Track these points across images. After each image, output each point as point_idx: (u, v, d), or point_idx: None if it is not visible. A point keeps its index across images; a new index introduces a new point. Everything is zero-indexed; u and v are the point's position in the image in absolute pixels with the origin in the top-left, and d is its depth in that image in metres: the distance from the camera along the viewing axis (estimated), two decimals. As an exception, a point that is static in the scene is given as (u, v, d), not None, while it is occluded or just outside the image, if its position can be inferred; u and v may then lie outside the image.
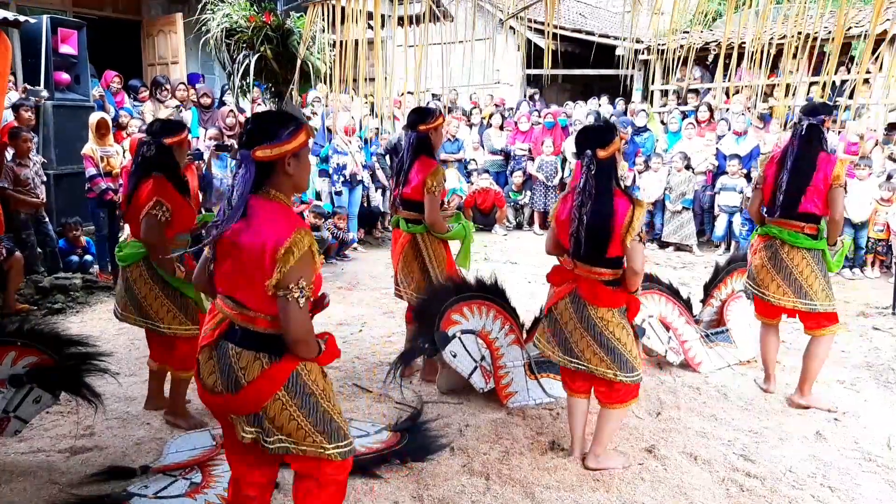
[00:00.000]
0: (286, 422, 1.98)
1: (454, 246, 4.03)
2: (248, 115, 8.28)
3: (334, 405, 2.09)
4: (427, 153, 3.79)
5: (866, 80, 9.03)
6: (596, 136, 2.85)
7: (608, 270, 2.86)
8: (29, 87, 6.72)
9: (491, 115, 10.26)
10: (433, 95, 10.43)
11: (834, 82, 5.39)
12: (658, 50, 9.60)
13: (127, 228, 3.50)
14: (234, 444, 2.14)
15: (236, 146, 7.38)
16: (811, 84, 8.62)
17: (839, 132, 7.84)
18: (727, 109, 9.19)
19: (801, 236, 3.51)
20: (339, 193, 7.93)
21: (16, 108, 6.06)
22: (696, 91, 10.43)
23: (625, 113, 10.21)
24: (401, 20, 4.36)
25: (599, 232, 2.78)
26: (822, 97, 4.43)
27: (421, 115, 3.82)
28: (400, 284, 3.98)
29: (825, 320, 3.59)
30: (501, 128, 10.06)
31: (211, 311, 2.10)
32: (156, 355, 3.51)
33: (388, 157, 8.89)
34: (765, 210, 3.71)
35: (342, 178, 7.91)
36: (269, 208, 1.96)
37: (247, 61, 6.02)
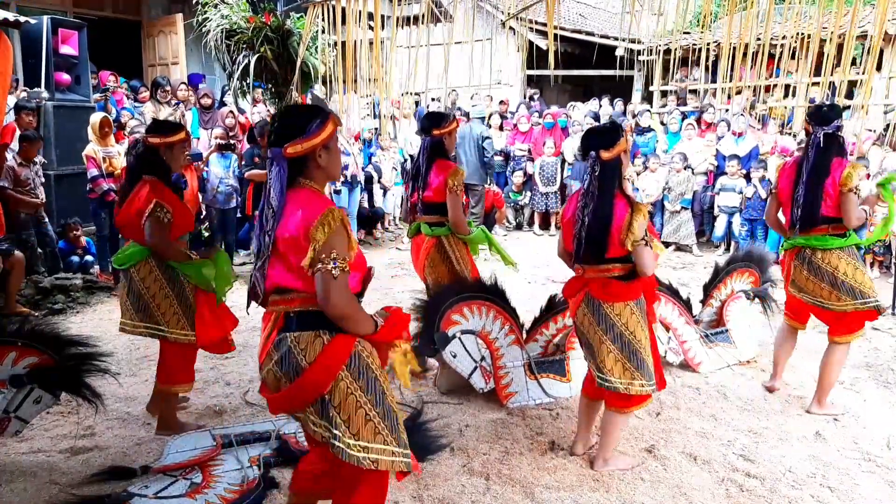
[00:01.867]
0: (353, 410, 1.95)
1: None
2: (249, 115, 8.30)
3: (396, 407, 2.07)
4: (442, 156, 3.81)
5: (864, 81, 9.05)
6: (600, 137, 2.85)
7: (616, 266, 2.84)
8: (28, 90, 6.73)
9: (490, 116, 10.27)
10: (432, 99, 10.44)
11: (832, 83, 5.38)
12: (658, 51, 9.61)
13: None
14: (310, 438, 2.18)
15: (238, 146, 7.44)
16: (810, 84, 8.63)
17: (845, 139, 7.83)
18: (727, 110, 9.20)
19: (828, 238, 3.44)
20: (337, 192, 7.96)
21: (17, 110, 6.06)
22: (695, 92, 10.44)
23: (623, 113, 10.22)
24: (399, 20, 4.36)
25: (597, 233, 2.78)
26: (823, 98, 4.43)
27: (435, 120, 3.83)
28: (431, 290, 3.94)
29: (862, 320, 3.51)
30: (501, 128, 10.06)
31: (264, 320, 2.10)
32: (159, 372, 3.42)
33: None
34: (785, 223, 3.66)
35: (342, 179, 7.95)
36: (299, 197, 2.00)
37: (246, 62, 6.02)
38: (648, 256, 2.75)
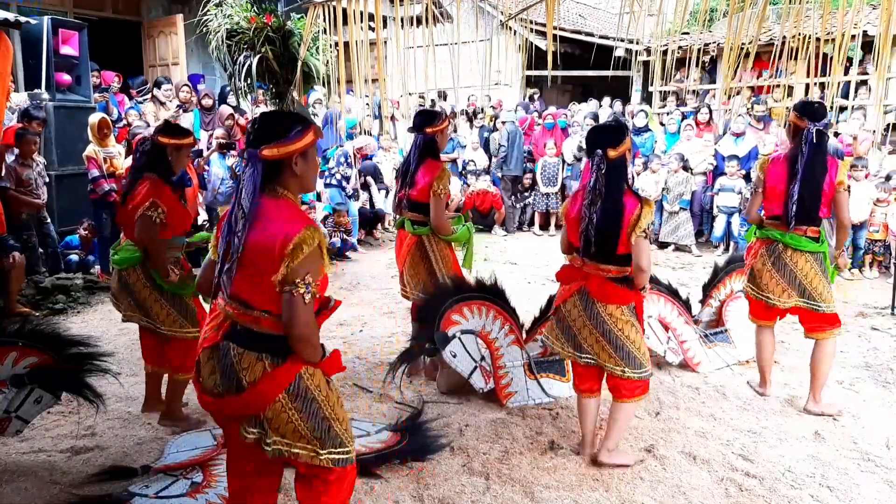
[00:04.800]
0: (283, 423, 1.96)
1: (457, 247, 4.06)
2: (250, 116, 8.31)
3: (337, 413, 2.06)
4: (432, 155, 3.84)
5: (864, 82, 9.07)
6: (606, 135, 2.88)
7: (617, 267, 2.88)
8: (30, 93, 6.72)
9: (495, 118, 10.32)
10: (432, 100, 10.47)
11: (829, 83, 5.39)
12: (657, 51, 9.62)
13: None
14: (235, 451, 2.16)
15: (237, 145, 7.45)
16: (808, 85, 8.63)
17: (837, 133, 7.84)
18: (727, 111, 9.20)
19: (803, 239, 3.48)
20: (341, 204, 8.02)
21: (28, 118, 6.03)
22: (695, 92, 10.44)
23: (623, 114, 10.23)
24: (401, 21, 4.37)
25: (608, 230, 2.82)
26: (826, 98, 4.42)
27: (427, 118, 3.85)
28: (406, 285, 4.01)
29: (827, 322, 3.57)
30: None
31: (211, 312, 2.08)
32: (149, 357, 3.49)
33: None
34: (766, 217, 3.65)
35: (348, 192, 8.03)
36: (276, 206, 1.96)
37: (248, 62, 6.03)
38: (646, 249, 2.80)
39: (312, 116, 8.85)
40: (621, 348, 2.90)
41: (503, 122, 9.76)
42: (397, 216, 4.09)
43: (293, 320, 1.88)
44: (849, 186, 3.44)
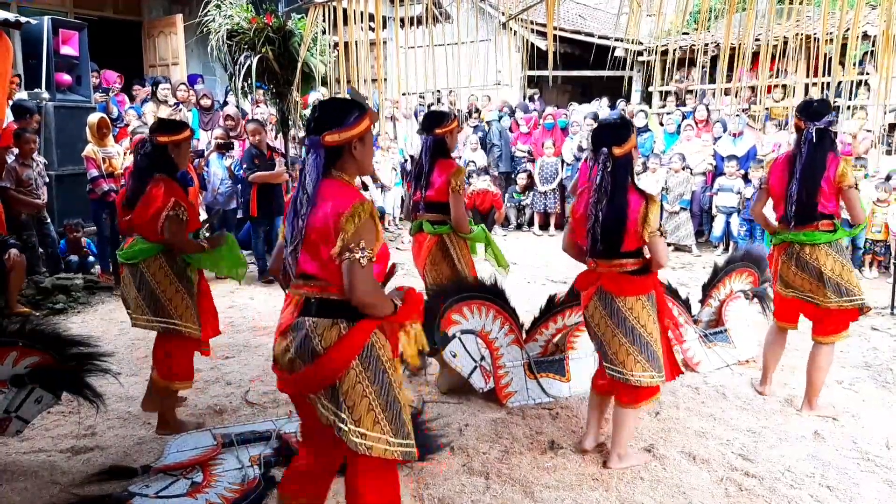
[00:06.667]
0: (358, 399, 2.03)
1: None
2: (250, 116, 8.30)
3: (404, 398, 2.14)
4: (444, 155, 3.86)
5: (865, 82, 9.07)
6: (612, 133, 2.88)
7: (629, 261, 2.89)
8: (30, 93, 6.73)
9: (501, 119, 10.33)
10: (438, 100, 10.47)
11: (829, 83, 5.40)
12: (657, 51, 9.63)
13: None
14: (306, 431, 2.27)
15: (237, 145, 7.45)
16: (808, 85, 8.63)
17: (836, 133, 7.83)
18: (727, 114, 9.19)
19: (817, 234, 3.46)
20: None
21: (21, 112, 6.04)
22: (694, 92, 10.44)
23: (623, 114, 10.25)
24: (402, 21, 4.38)
25: (614, 228, 2.83)
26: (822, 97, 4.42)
27: (437, 119, 3.87)
28: (429, 288, 3.97)
29: (847, 321, 3.53)
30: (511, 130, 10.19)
31: (286, 299, 2.18)
32: (160, 368, 3.40)
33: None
34: (777, 220, 3.66)
35: None
36: (331, 187, 2.07)
37: (248, 63, 6.03)
38: (663, 246, 2.83)
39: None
40: (646, 347, 2.88)
41: (488, 122, 10.00)
42: (412, 221, 4.07)
43: (353, 285, 1.97)
44: (856, 183, 3.41)
